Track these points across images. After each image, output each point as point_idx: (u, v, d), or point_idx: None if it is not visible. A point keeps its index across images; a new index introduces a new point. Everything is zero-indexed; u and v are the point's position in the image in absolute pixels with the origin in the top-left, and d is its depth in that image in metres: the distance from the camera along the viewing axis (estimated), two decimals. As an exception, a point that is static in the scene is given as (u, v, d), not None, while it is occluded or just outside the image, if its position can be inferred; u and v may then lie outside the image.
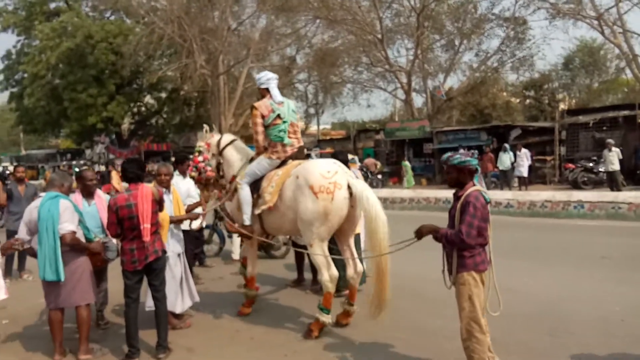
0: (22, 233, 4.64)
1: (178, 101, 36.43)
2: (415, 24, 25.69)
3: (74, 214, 4.60)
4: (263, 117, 5.41)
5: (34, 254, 4.65)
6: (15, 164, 31.95)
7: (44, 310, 5.65)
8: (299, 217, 5.04)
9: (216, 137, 6.17)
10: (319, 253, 5.00)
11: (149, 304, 5.25)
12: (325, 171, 4.98)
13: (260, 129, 5.46)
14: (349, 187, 4.94)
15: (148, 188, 4.64)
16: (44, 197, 4.57)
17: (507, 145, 18.23)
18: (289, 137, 5.51)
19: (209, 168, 6.04)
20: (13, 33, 34.18)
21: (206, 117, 35.64)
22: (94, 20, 33.30)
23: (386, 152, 25.38)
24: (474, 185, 3.78)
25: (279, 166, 5.48)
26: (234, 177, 5.77)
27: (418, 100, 30.45)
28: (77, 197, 5.29)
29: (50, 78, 32.17)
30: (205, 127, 6.39)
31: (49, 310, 4.70)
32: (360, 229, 5.93)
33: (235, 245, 8.71)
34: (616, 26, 20.91)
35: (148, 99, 38.39)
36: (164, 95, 37.27)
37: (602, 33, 21.53)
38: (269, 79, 5.57)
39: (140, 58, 30.98)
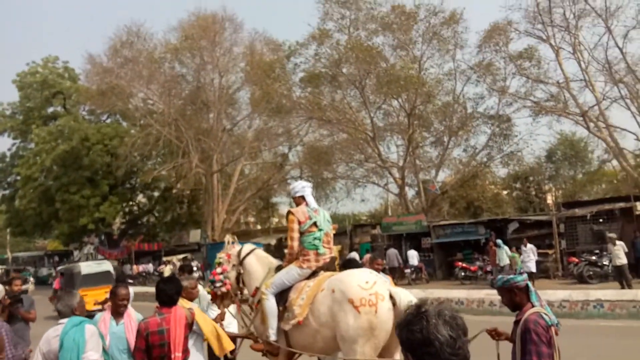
0: None
1: (171, 199, 36.47)
2: (406, 123, 26.64)
3: (99, 340, 4.25)
4: (299, 223, 5.24)
5: None
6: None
7: None
8: (339, 335, 4.68)
9: (237, 247, 5.95)
10: None
11: None
12: (363, 282, 4.68)
13: (296, 234, 5.24)
14: (391, 296, 4.65)
15: (182, 311, 4.34)
16: (65, 324, 4.20)
17: (499, 241, 18.22)
18: (323, 247, 5.31)
19: (227, 281, 5.76)
20: (9, 137, 34.76)
21: (199, 214, 35.54)
22: (90, 123, 34.07)
23: (384, 247, 25.14)
24: (532, 306, 3.55)
25: (309, 277, 5.22)
26: (257, 289, 5.46)
27: (409, 193, 30.87)
28: (106, 315, 4.92)
29: (43, 180, 32.29)
30: (228, 237, 6.20)
31: None
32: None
33: None
34: (600, 122, 21.88)
35: (140, 197, 38.40)
36: (156, 194, 37.37)
37: (588, 129, 22.46)
38: (303, 187, 5.53)
39: (135, 158, 31.39)
